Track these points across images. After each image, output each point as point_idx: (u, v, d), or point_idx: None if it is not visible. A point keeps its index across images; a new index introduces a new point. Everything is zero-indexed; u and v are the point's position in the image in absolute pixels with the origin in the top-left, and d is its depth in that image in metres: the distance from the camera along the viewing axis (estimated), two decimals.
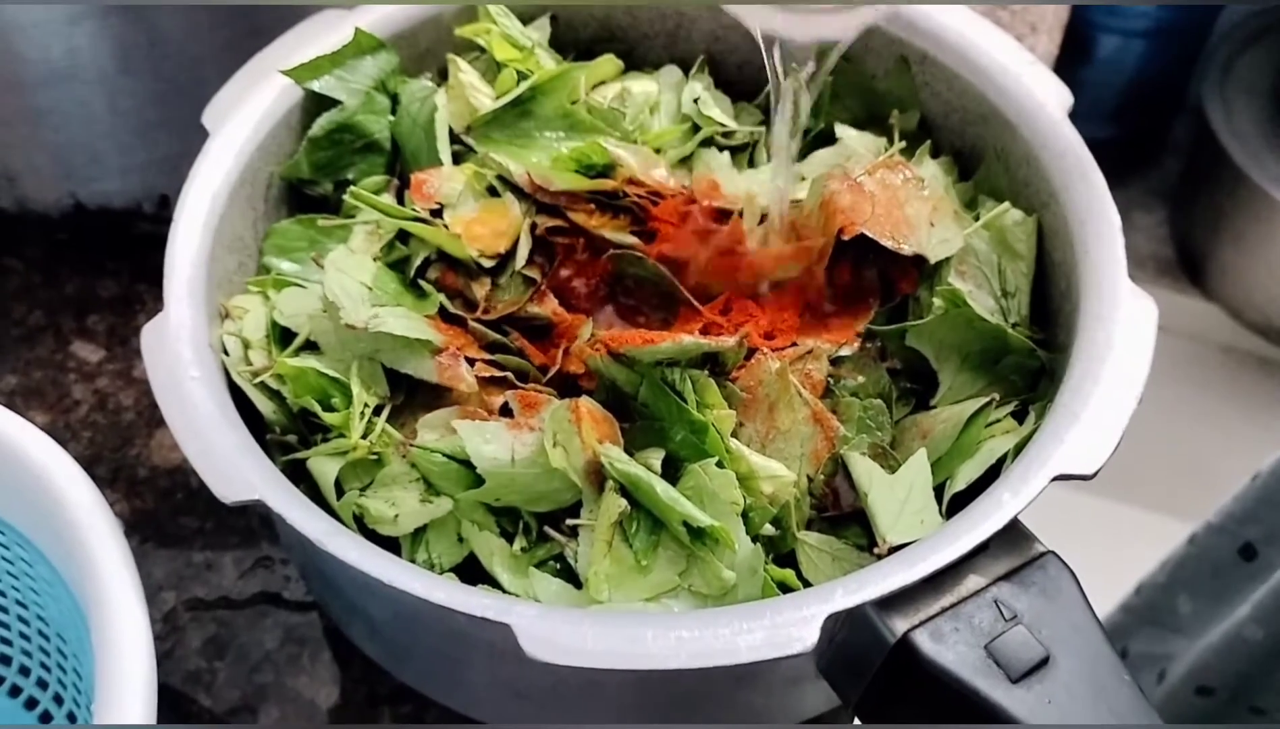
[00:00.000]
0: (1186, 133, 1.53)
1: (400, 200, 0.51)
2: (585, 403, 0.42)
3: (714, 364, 0.44)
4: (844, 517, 0.44)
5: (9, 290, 0.62)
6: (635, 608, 0.39)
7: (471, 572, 0.41)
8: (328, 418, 0.42)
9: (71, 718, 0.45)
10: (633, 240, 0.48)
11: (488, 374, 0.44)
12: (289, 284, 0.47)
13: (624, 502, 0.39)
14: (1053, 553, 0.39)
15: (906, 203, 0.48)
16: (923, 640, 0.36)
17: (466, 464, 0.42)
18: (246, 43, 0.50)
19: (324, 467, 0.41)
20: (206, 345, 0.42)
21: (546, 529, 0.42)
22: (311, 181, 0.52)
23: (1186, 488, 1.15)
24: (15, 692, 0.47)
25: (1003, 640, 0.36)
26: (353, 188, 0.48)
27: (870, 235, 0.45)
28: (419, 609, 0.37)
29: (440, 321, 0.45)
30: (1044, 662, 0.36)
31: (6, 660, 0.47)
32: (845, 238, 0.45)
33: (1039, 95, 0.49)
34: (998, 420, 0.44)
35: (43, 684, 0.47)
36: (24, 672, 0.47)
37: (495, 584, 0.41)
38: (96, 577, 0.37)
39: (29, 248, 0.63)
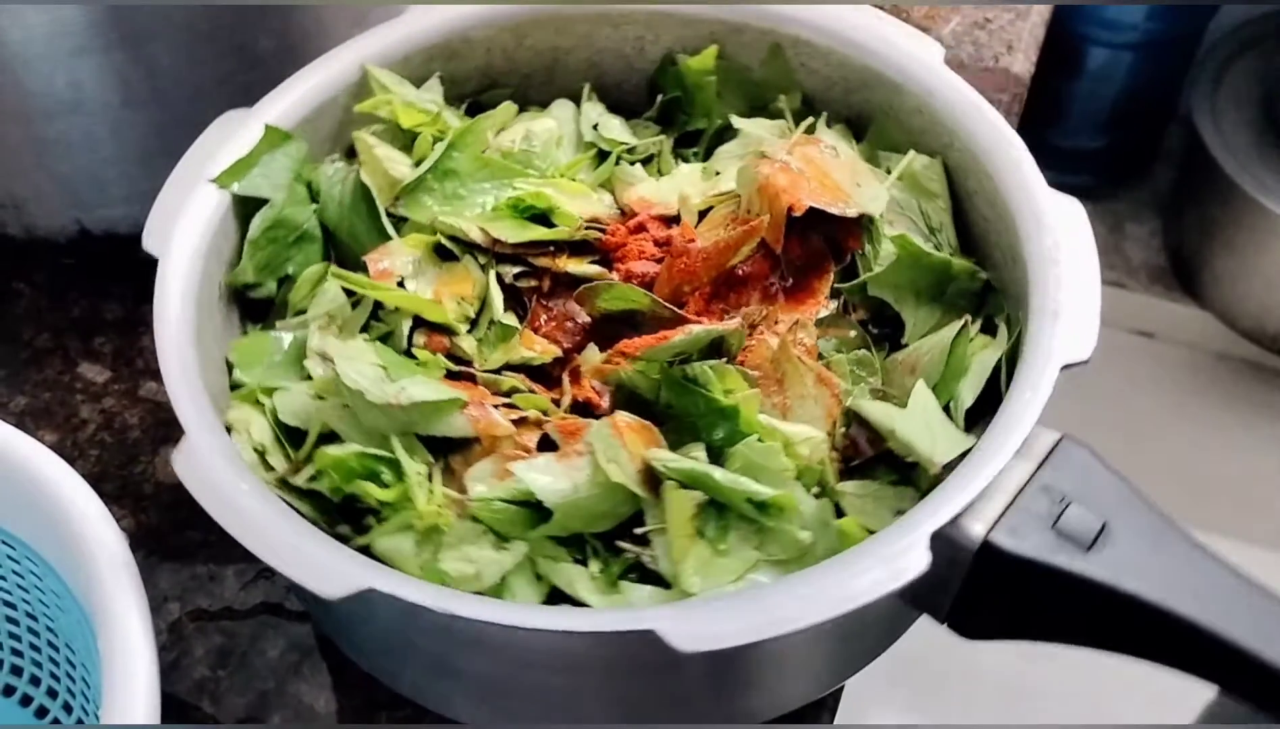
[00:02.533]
0: (1178, 143, 1.51)
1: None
2: (622, 416, 0.44)
3: (718, 354, 0.46)
4: (867, 463, 0.47)
5: (17, 314, 0.64)
6: (726, 590, 0.41)
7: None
8: (382, 495, 0.42)
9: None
10: (598, 270, 0.50)
11: (516, 416, 0.45)
12: (272, 390, 0.47)
13: (697, 493, 0.41)
14: (1066, 436, 0.43)
15: (832, 171, 0.52)
16: (1001, 538, 0.40)
17: (526, 504, 0.43)
18: (245, 74, 0.55)
19: (396, 543, 0.42)
20: (238, 459, 0.41)
21: (619, 543, 0.43)
22: (255, 284, 0.51)
23: (1181, 494, 1.15)
24: (26, 701, 0.49)
25: (1064, 520, 0.40)
26: (334, 269, 0.48)
27: (819, 206, 0.49)
28: (526, 641, 0.38)
29: (451, 381, 0.46)
30: (1103, 529, 0.40)
31: (18, 671, 0.49)
32: (796, 213, 0.49)
33: (915, 51, 0.54)
34: (973, 339, 0.48)
35: (52, 693, 0.49)
36: (34, 681, 0.49)
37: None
38: (103, 588, 0.39)
39: (36, 272, 0.66)
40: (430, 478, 0.43)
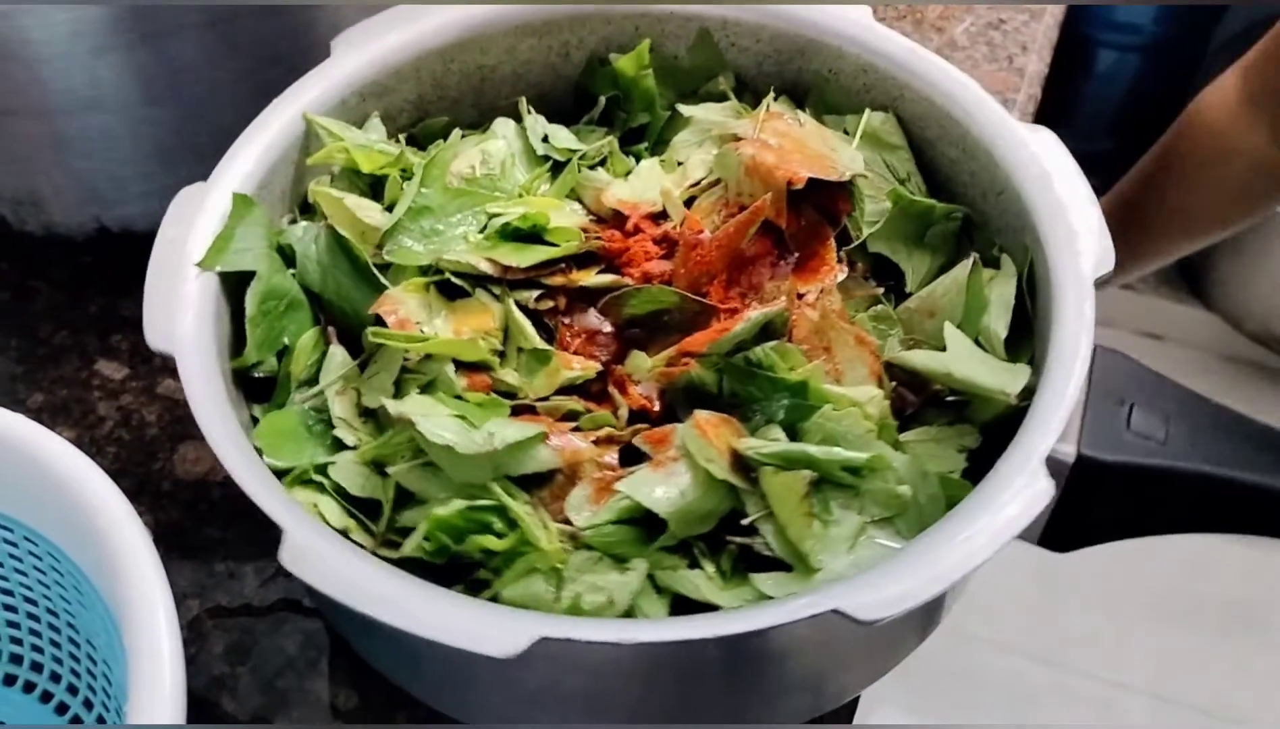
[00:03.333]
0: None
1: (342, 343, 0.50)
2: (702, 415, 0.44)
3: (766, 337, 0.47)
4: (916, 414, 0.48)
5: (35, 311, 0.65)
6: (847, 560, 0.42)
7: None
8: (500, 545, 0.41)
9: (101, 722, 0.47)
10: (612, 278, 0.50)
11: (594, 437, 0.44)
12: (321, 467, 0.45)
13: (806, 472, 0.42)
14: (1097, 344, 0.46)
15: (807, 141, 0.53)
16: (1091, 450, 0.42)
17: (632, 522, 0.42)
18: (264, 71, 0.55)
19: (526, 589, 0.40)
20: (343, 542, 0.39)
21: (730, 539, 0.43)
22: (257, 363, 0.48)
23: None
24: (46, 697, 0.49)
25: (1134, 422, 0.43)
26: (372, 330, 0.46)
27: (816, 176, 0.50)
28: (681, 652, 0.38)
29: (516, 417, 0.45)
30: (1167, 419, 0.44)
31: (37, 667, 0.49)
32: (797, 187, 0.50)
33: (846, 14, 0.56)
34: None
35: (73, 690, 0.49)
36: (54, 678, 0.49)
37: (698, 608, 0.42)
38: (128, 585, 0.38)
39: (54, 270, 0.66)
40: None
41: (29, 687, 0.49)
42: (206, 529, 0.56)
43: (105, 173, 0.60)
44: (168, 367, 0.60)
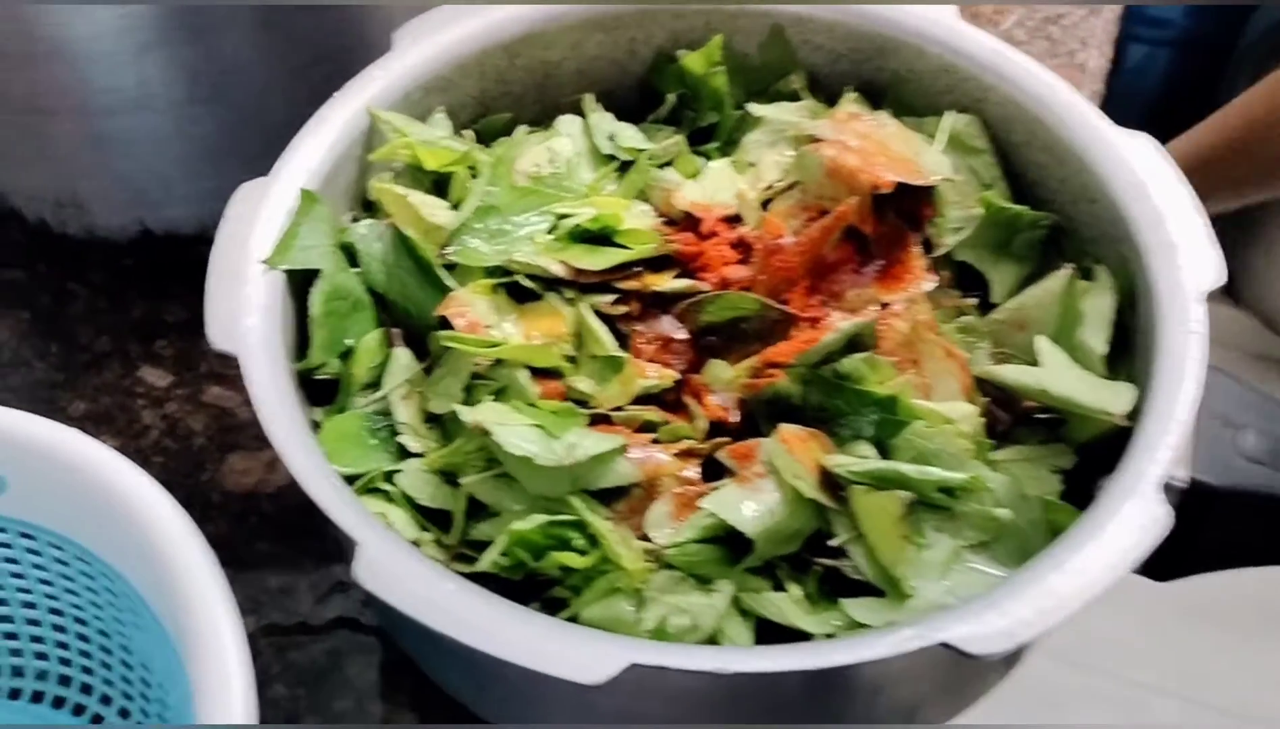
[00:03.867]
0: None
1: (407, 345, 0.48)
2: (788, 429, 0.42)
3: (853, 348, 0.45)
4: (1006, 432, 0.46)
5: (75, 315, 0.62)
6: (942, 586, 0.40)
7: None
8: (581, 562, 0.39)
9: None
10: (688, 283, 0.48)
11: (673, 450, 0.42)
12: (388, 475, 0.43)
13: (903, 493, 0.40)
14: None
15: (889, 143, 0.51)
16: (1205, 475, 0.40)
17: (717, 541, 0.40)
18: (315, 68, 0.53)
19: (608, 610, 0.38)
20: (421, 557, 0.37)
21: (817, 560, 0.41)
22: (319, 365, 0.46)
23: None
24: (97, 720, 0.47)
25: (1242, 445, 0.41)
26: (442, 334, 0.44)
27: (901, 180, 0.48)
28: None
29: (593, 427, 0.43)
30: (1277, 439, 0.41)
31: (88, 689, 0.47)
32: (884, 191, 0.48)
33: (928, 13, 0.54)
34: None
35: (124, 713, 0.47)
36: (105, 700, 0.47)
37: (784, 636, 0.40)
38: (191, 613, 0.36)
39: (93, 273, 0.63)
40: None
41: (78, 709, 0.47)
42: (258, 543, 0.54)
43: (150, 174, 0.58)
44: (213, 373, 0.59)
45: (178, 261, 0.61)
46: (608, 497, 0.42)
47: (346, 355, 0.47)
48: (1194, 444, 0.41)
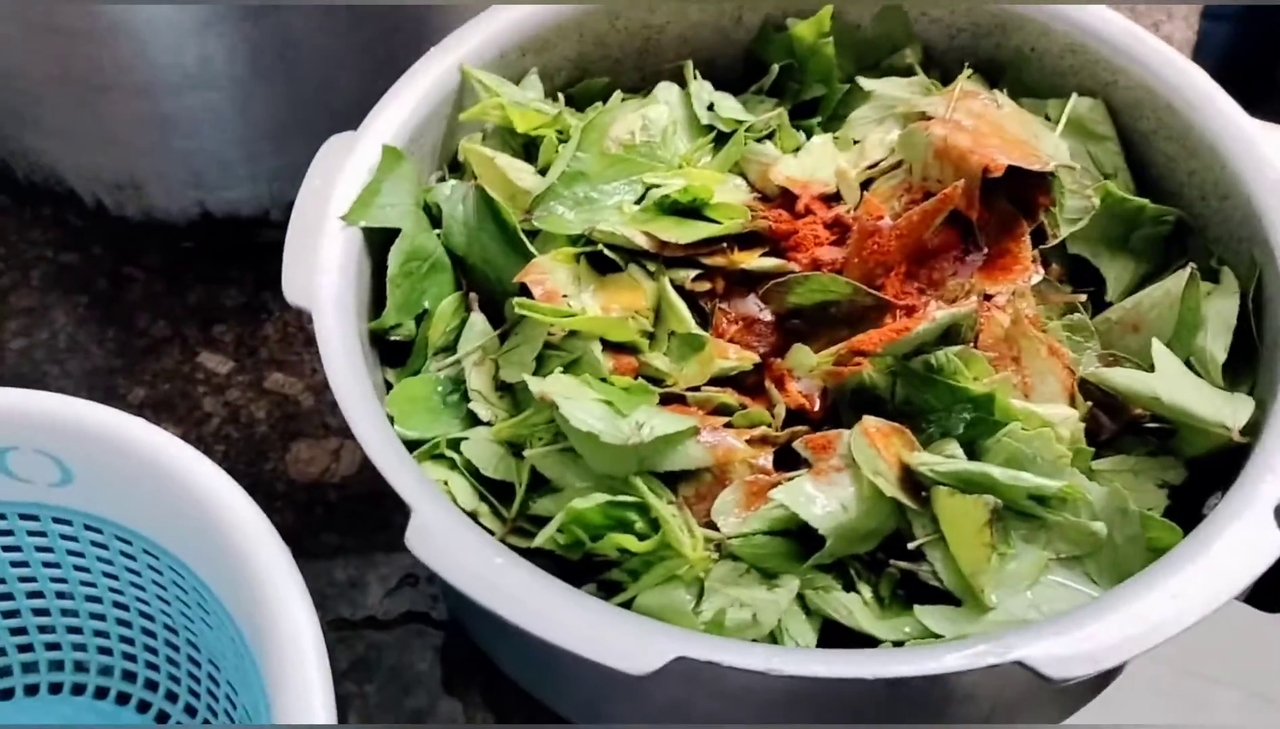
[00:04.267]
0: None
1: (483, 311, 0.46)
2: (872, 422, 0.39)
3: (949, 340, 0.42)
4: (1111, 440, 0.43)
5: (132, 300, 0.61)
6: (1025, 600, 0.38)
7: None
8: (641, 547, 0.37)
9: None
10: (777, 262, 0.46)
11: (747, 436, 0.40)
12: (455, 442, 0.42)
13: (990, 498, 0.37)
14: None
15: (1005, 125, 0.48)
16: None
17: (786, 534, 0.38)
18: (383, 43, 0.50)
19: (665, 598, 0.37)
20: (474, 527, 0.36)
21: (893, 562, 0.39)
22: (395, 326, 0.46)
23: None
24: (162, 718, 0.46)
25: None
26: (517, 300, 0.42)
27: (1015, 164, 0.45)
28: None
29: (664, 407, 0.41)
30: None
31: (153, 686, 0.46)
32: (995, 175, 0.45)
33: None
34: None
35: (190, 710, 0.46)
36: (171, 697, 0.46)
37: (851, 640, 0.38)
38: (265, 607, 0.35)
39: (149, 256, 0.62)
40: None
41: (143, 705, 0.46)
42: (324, 534, 0.52)
43: (210, 154, 0.56)
44: (274, 359, 0.58)
45: (237, 244, 0.59)
46: (676, 480, 0.40)
47: (422, 318, 0.46)
48: None
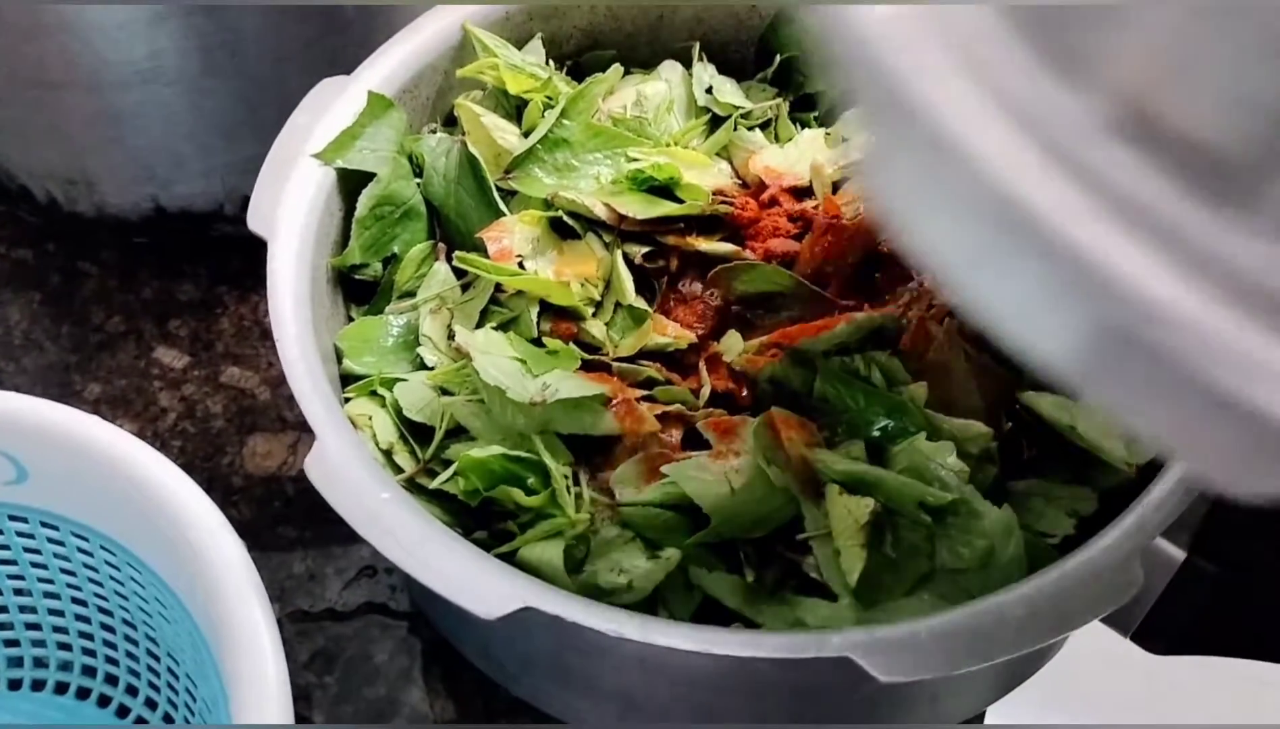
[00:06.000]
0: None
1: (449, 263, 0.48)
2: (779, 413, 0.40)
3: (877, 343, 0.43)
4: (1031, 463, 0.43)
5: (86, 296, 0.60)
6: (899, 604, 0.38)
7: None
8: (528, 501, 0.39)
9: None
10: (732, 248, 0.46)
11: (659, 411, 0.41)
12: (392, 382, 0.44)
13: (871, 501, 0.38)
14: None
15: None
16: (1201, 556, 0.36)
17: (679, 508, 0.40)
18: (330, 39, 0.50)
19: (543, 552, 0.38)
20: (373, 462, 0.38)
21: (780, 550, 0.40)
22: (361, 265, 0.48)
23: None
24: (124, 712, 0.46)
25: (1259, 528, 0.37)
26: (460, 254, 0.44)
27: None
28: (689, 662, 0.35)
29: (586, 373, 0.42)
30: None
31: (113, 681, 0.46)
32: None
33: None
34: None
35: (151, 704, 0.46)
36: (131, 691, 0.46)
37: (731, 619, 0.39)
38: (222, 601, 0.36)
39: (103, 252, 0.61)
40: (576, 480, 0.40)
41: (103, 700, 0.47)
42: (281, 527, 0.52)
43: (163, 149, 0.55)
44: (230, 353, 0.59)
45: (191, 239, 0.59)
46: (594, 448, 0.42)
47: (393, 262, 0.48)
48: (1207, 516, 0.37)
